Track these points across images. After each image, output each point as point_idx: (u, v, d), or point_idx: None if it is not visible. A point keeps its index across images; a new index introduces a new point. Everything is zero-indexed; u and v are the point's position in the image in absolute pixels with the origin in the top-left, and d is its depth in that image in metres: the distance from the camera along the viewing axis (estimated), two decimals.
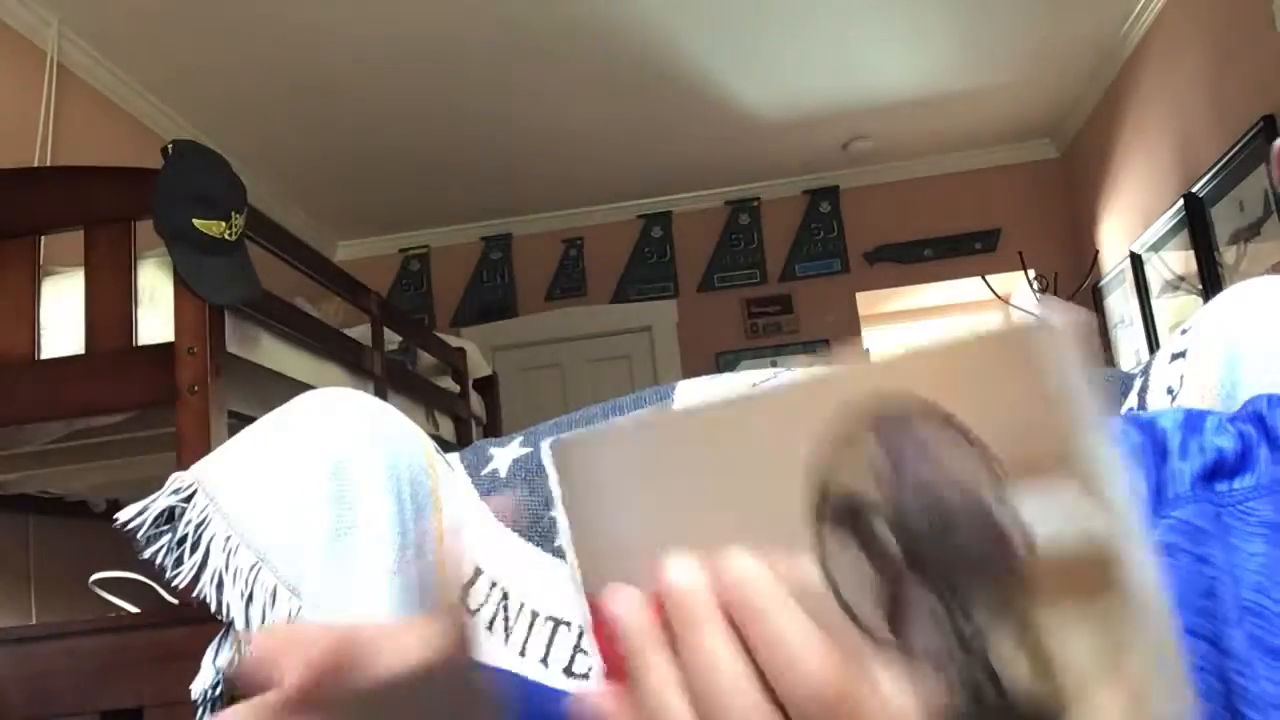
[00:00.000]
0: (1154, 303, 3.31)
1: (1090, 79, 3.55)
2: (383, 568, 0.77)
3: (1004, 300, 4.00)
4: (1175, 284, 3.13)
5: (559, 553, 0.72)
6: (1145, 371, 0.85)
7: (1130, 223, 3.46)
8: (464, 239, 4.37)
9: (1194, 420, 0.58)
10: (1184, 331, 0.82)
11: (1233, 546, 0.52)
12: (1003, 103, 3.68)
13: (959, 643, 0.29)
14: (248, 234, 1.69)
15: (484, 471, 0.94)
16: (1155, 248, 3.23)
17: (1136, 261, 3.38)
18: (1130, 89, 3.35)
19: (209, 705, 0.81)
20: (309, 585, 0.78)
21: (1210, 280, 2.84)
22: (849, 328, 4.05)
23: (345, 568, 0.77)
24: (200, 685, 0.81)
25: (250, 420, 0.90)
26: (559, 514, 0.38)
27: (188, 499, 0.83)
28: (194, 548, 0.82)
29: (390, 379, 2.39)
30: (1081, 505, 0.27)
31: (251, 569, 0.80)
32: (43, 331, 1.63)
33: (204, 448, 1.44)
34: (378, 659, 0.38)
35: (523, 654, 0.84)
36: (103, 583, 1.30)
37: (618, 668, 0.35)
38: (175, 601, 1.31)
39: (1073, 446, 0.27)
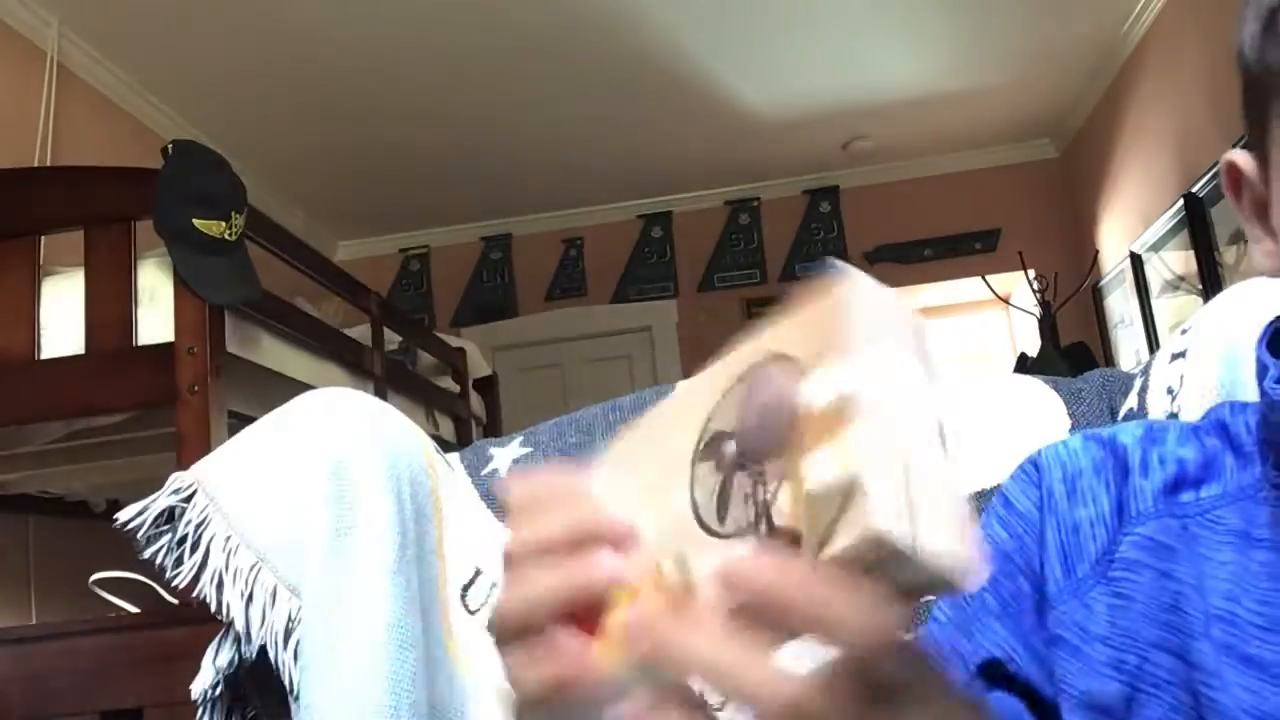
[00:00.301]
0: (1154, 303, 3.31)
1: (1090, 79, 3.55)
2: (383, 568, 0.77)
3: (1004, 300, 4.00)
4: (1175, 284, 3.12)
5: None
6: (1145, 371, 0.85)
7: (1130, 223, 3.46)
8: (464, 239, 4.36)
9: (1155, 433, 0.58)
10: (1184, 331, 0.82)
11: (1201, 556, 0.51)
12: (1003, 103, 3.68)
13: (757, 510, 0.36)
14: (248, 234, 1.69)
15: (484, 471, 0.94)
16: (1155, 248, 3.23)
17: (1136, 261, 3.37)
18: (1130, 89, 3.35)
19: (209, 705, 0.81)
20: (309, 585, 0.78)
21: (1210, 280, 2.83)
22: None
23: (345, 568, 0.77)
24: (200, 685, 0.81)
25: (250, 420, 0.90)
26: None
27: (188, 499, 0.83)
28: (194, 548, 0.82)
29: (390, 379, 2.39)
30: (842, 373, 0.34)
31: (251, 569, 0.80)
32: (43, 331, 1.63)
33: (204, 448, 1.45)
34: None
35: None
36: (103, 583, 1.30)
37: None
38: (175, 601, 1.31)
39: (841, 337, 0.34)
